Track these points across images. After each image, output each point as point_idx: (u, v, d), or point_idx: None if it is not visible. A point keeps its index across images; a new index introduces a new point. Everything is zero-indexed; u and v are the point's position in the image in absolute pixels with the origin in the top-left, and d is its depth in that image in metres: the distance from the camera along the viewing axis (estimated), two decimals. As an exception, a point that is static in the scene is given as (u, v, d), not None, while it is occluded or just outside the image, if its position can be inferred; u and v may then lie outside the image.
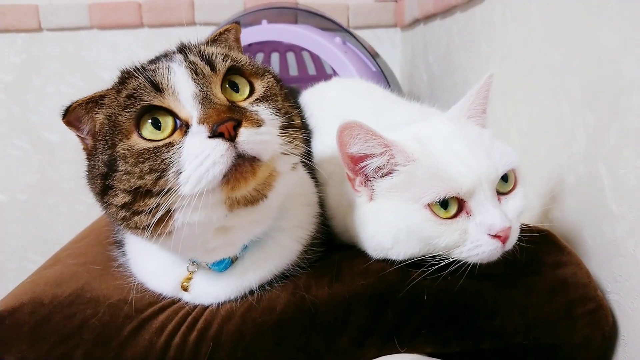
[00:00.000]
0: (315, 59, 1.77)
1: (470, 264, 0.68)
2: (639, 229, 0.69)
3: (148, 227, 0.62)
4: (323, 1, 1.84)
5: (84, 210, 1.94)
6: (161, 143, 0.61)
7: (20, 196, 1.99)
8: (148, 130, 0.62)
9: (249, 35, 1.37)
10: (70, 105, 0.66)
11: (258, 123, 0.61)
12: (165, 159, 0.60)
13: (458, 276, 0.71)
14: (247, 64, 0.69)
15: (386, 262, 0.73)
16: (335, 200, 0.82)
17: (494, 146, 0.71)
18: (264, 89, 0.68)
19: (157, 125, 0.62)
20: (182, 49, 0.68)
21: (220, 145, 0.58)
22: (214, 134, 0.58)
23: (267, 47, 1.76)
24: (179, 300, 0.75)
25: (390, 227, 0.70)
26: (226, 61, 0.66)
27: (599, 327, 0.71)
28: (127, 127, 0.62)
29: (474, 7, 1.22)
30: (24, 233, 2.02)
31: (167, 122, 0.62)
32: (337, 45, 1.34)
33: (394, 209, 0.70)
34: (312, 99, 1.07)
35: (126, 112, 0.62)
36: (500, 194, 0.69)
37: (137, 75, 0.63)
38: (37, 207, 2.00)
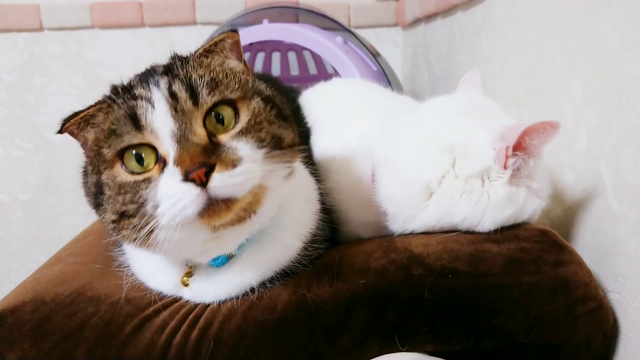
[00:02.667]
0: (317, 58, 1.77)
1: None
2: (640, 228, 0.69)
3: (136, 239, 0.64)
4: (324, 0, 1.84)
5: (86, 209, 1.94)
6: (140, 178, 0.62)
7: (22, 196, 1.99)
8: (131, 162, 0.63)
9: (250, 35, 1.37)
10: (64, 124, 0.66)
11: (233, 164, 0.61)
12: (142, 192, 0.61)
13: (459, 275, 0.71)
14: (236, 89, 0.66)
15: (387, 261, 0.73)
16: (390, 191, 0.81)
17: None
18: (248, 117, 0.65)
19: (139, 160, 0.62)
20: (169, 70, 0.66)
21: (191, 190, 0.59)
22: (186, 179, 0.59)
23: (268, 46, 1.76)
24: (180, 298, 0.75)
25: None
26: (212, 95, 0.63)
27: (600, 326, 0.71)
28: (111, 159, 0.63)
29: (475, 6, 1.22)
30: (26, 233, 2.02)
31: (150, 156, 0.62)
32: (338, 44, 1.34)
33: (528, 197, 0.76)
34: (312, 99, 1.07)
35: (109, 146, 0.63)
36: None
37: (119, 104, 0.63)
38: (39, 206, 2.00)
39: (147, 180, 0.61)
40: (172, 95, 0.62)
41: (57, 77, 1.92)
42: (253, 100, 0.67)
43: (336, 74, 1.34)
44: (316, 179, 0.83)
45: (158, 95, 0.62)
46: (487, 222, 0.75)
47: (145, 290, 0.76)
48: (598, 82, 0.76)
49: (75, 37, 1.89)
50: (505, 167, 0.74)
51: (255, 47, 1.68)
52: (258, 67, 1.77)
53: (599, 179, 0.76)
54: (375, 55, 1.44)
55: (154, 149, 0.62)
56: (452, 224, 0.77)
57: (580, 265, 0.73)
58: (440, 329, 0.70)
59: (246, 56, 1.69)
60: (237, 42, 0.71)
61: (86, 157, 0.69)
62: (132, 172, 0.62)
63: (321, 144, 0.92)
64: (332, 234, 0.84)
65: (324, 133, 0.94)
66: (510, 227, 0.77)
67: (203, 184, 0.59)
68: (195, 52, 0.69)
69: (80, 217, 1.92)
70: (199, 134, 0.61)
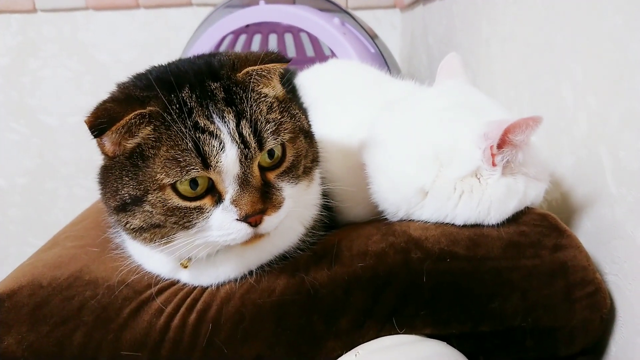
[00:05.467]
0: (314, 40, 1.75)
1: None
2: (638, 211, 0.68)
3: (156, 244, 0.67)
4: (322, -18, 1.82)
5: (84, 194, 1.94)
6: (192, 205, 0.63)
7: (20, 180, 1.99)
8: (184, 186, 0.63)
9: (246, 16, 1.36)
10: (101, 129, 0.61)
11: (279, 206, 0.66)
12: (192, 219, 0.64)
13: (457, 258, 0.71)
14: (289, 130, 0.67)
15: (385, 244, 0.73)
16: (387, 183, 0.80)
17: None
18: (293, 158, 0.68)
19: (193, 186, 0.63)
20: (232, 101, 0.64)
21: (244, 229, 0.64)
22: (243, 220, 0.64)
23: (265, 28, 1.74)
24: (178, 281, 0.76)
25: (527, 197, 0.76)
26: (274, 140, 0.65)
27: (597, 309, 0.71)
28: (165, 183, 0.62)
29: (475, -13, 1.21)
30: (24, 217, 2.02)
31: (203, 184, 0.63)
32: (336, 26, 1.33)
33: (528, 183, 0.76)
34: (308, 81, 1.06)
35: (166, 173, 0.61)
36: None
37: (183, 132, 0.61)
38: (36, 191, 2.00)
39: (199, 209, 0.64)
40: (242, 139, 0.63)
41: (52, 60, 1.90)
42: (298, 140, 0.70)
43: (333, 56, 1.33)
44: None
45: (226, 133, 0.62)
46: (493, 219, 0.75)
47: (143, 273, 0.76)
48: (599, 64, 0.75)
49: (70, 18, 1.86)
50: (494, 165, 0.74)
51: (252, 28, 1.66)
52: (255, 49, 1.75)
53: (598, 163, 0.76)
54: (373, 37, 1.42)
55: (209, 178, 0.63)
56: (455, 224, 0.77)
57: (579, 249, 0.74)
58: (438, 312, 0.71)
59: (243, 38, 1.68)
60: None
61: (111, 157, 0.66)
62: (182, 196, 0.63)
63: (316, 129, 0.91)
64: (331, 220, 0.84)
65: (318, 117, 0.94)
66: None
67: (256, 224, 0.64)
68: (243, 65, 0.67)
69: (77, 200, 1.93)
70: (256, 175, 0.65)
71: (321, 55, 1.72)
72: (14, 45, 1.87)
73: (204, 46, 1.36)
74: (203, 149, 0.61)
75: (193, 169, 0.61)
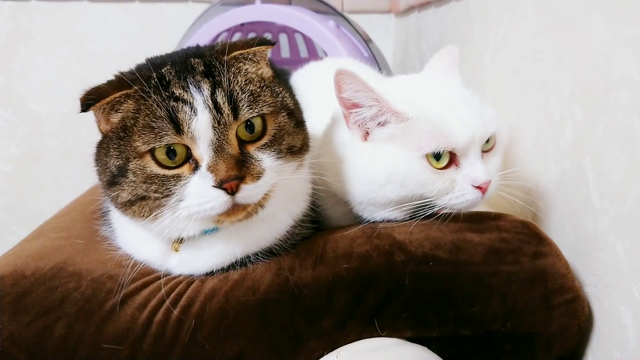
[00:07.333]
0: (308, 41, 1.76)
1: (451, 214, 0.77)
2: (619, 225, 0.70)
3: (145, 218, 0.68)
4: (318, -17, 1.82)
5: (69, 184, 1.92)
6: (170, 173, 0.65)
7: (4, 167, 1.96)
8: (161, 155, 0.65)
9: (241, 15, 1.35)
10: (89, 104, 0.66)
11: (258, 176, 0.66)
12: (171, 187, 0.65)
13: (440, 262, 0.72)
14: (269, 104, 0.69)
15: (370, 247, 0.74)
16: (331, 166, 0.82)
17: (484, 109, 0.79)
18: (274, 131, 0.70)
19: (169, 153, 0.65)
20: (211, 73, 0.67)
21: (221, 197, 0.64)
22: (219, 187, 0.64)
23: (260, 27, 1.73)
24: (164, 275, 0.76)
25: (387, 165, 0.76)
26: (250, 111, 0.67)
27: (575, 317, 0.73)
28: (142, 151, 0.65)
29: (469, -4, 1.22)
30: (7, 205, 1.99)
31: (182, 153, 0.65)
32: (331, 28, 1.33)
33: (394, 153, 0.76)
34: (302, 79, 1.06)
35: (142, 140, 0.64)
36: (482, 151, 0.78)
37: (158, 101, 0.64)
38: (21, 179, 1.97)
39: (177, 177, 0.65)
40: (216, 106, 0.65)
41: (44, 48, 1.88)
42: (280, 114, 0.71)
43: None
44: None
45: (200, 101, 0.64)
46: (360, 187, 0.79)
47: (128, 267, 0.75)
48: (587, 78, 0.76)
49: (63, 8, 1.85)
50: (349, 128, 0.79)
51: (247, 27, 1.66)
52: (249, 47, 1.75)
53: (583, 175, 0.77)
54: (367, 41, 1.43)
55: (186, 147, 0.65)
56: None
57: (558, 257, 0.75)
58: (419, 315, 0.72)
59: (237, 36, 1.68)
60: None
61: (104, 135, 0.70)
62: (161, 165, 0.65)
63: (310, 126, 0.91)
64: (319, 222, 0.84)
65: (315, 112, 0.94)
66: (492, 218, 0.79)
67: (232, 192, 0.64)
68: (232, 49, 0.70)
69: (62, 190, 1.91)
70: (233, 144, 0.66)
71: (315, 56, 1.72)
72: (4, 32, 1.85)
73: (198, 42, 1.36)
74: (176, 116, 0.64)
75: (166, 134, 0.64)
